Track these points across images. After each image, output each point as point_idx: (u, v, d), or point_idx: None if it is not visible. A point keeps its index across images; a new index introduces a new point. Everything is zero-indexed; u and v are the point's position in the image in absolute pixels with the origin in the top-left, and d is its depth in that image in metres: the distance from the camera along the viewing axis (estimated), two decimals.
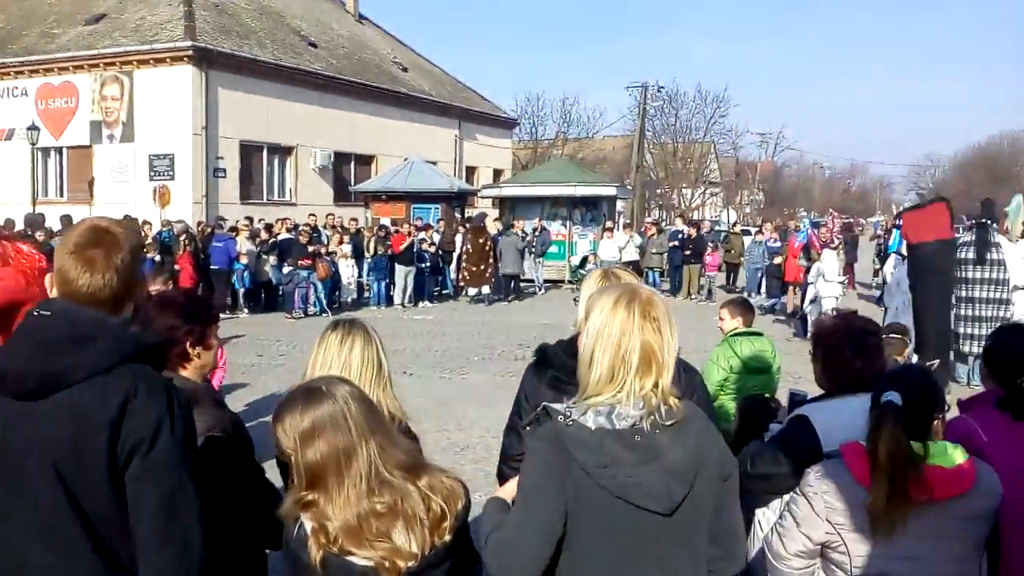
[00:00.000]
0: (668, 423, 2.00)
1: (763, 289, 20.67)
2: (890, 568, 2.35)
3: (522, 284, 21.46)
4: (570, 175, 25.12)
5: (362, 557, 1.95)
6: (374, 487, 1.98)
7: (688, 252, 21.15)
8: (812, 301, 14.29)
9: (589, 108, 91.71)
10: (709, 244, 21.86)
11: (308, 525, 1.98)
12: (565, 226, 24.12)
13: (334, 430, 1.98)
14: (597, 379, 2.02)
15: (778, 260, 18.64)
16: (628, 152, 38.99)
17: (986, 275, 10.57)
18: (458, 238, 20.71)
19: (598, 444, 1.96)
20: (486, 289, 19.59)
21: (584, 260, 22.10)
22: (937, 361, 8.05)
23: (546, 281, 22.46)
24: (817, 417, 2.75)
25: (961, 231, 11.78)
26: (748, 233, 25.37)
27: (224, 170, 25.07)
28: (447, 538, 2.03)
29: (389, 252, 18.67)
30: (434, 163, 28.16)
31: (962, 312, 10.66)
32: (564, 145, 44.37)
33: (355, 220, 20.48)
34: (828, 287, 14.06)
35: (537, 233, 21.76)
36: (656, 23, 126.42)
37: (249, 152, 26.13)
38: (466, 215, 24.37)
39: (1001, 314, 10.50)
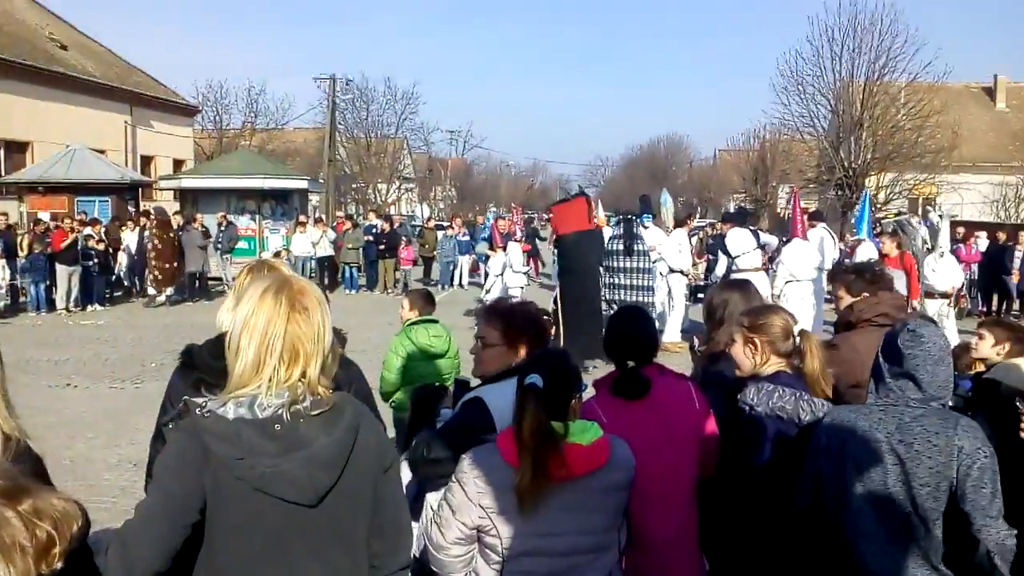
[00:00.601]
0: (315, 412, 1.97)
1: (462, 281, 21.48)
2: (537, 545, 2.43)
3: (210, 282, 20.24)
4: (258, 167, 24.06)
5: None
6: None
7: (383, 247, 21.19)
8: (487, 292, 15.09)
9: (277, 98, 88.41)
10: (403, 238, 22.06)
11: None
12: (255, 220, 23.08)
13: None
14: (243, 369, 1.97)
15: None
16: (321, 145, 38.19)
17: (633, 264, 11.59)
18: (126, 234, 18.98)
19: (235, 435, 1.90)
20: (169, 290, 18.24)
21: (276, 256, 21.28)
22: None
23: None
24: (491, 398, 2.82)
25: (612, 224, 12.90)
26: (442, 228, 25.99)
27: None
28: (57, 565, 1.77)
29: (48, 250, 16.61)
30: (102, 152, 25.66)
31: (613, 297, 11.63)
32: (252, 136, 42.50)
33: (5, 215, 18.00)
34: (514, 277, 14.80)
35: (222, 228, 20.60)
36: (346, 16, 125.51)
37: None
38: (142, 208, 22.44)
39: (644, 299, 11.60)
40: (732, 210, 19.36)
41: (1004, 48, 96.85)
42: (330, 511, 1.96)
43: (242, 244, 21.61)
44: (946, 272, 11.82)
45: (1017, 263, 16.26)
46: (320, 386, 1.99)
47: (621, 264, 11.61)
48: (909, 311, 10.60)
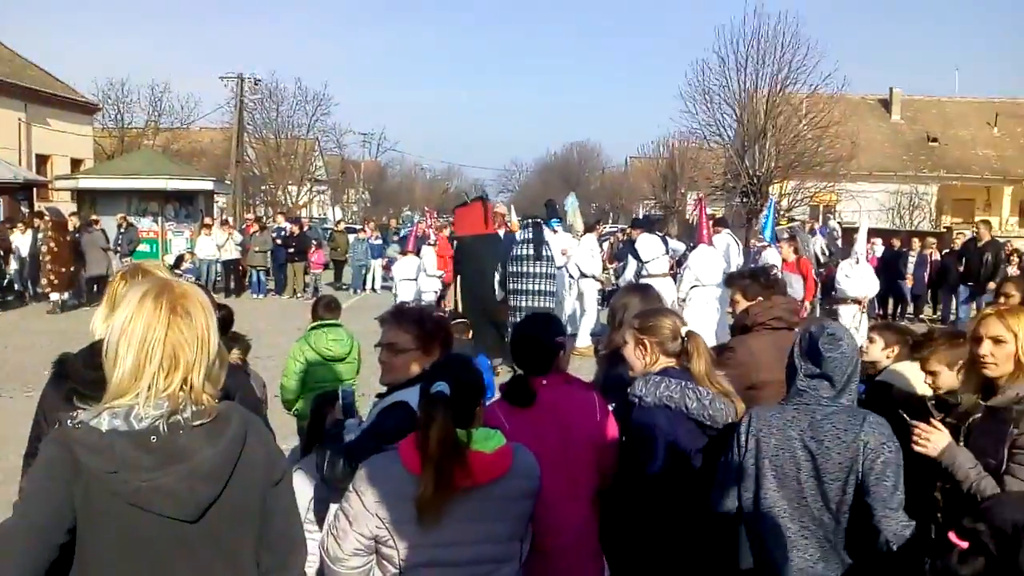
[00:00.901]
0: (196, 423, 1.88)
1: (375, 285, 21.41)
2: (436, 555, 2.40)
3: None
4: (161, 167, 23.35)
5: None
6: None
7: (292, 250, 20.76)
8: (395, 296, 15.07)
9: (182, 97, 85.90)
10: (313, 241, 21.67)
11: None
12: (157, 222, 22.36)
13: None
14: (120, 378, 1.87)
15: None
16: (228, 145, 37.18)
17: (541, 270, 11.67)
18: (16, 236, 18.11)
19: (108, 447, 1.80)
20: (66, 294, 17.46)
21: (180, 259, 20.68)
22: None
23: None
24: (414, 400, 2.75)
25: (521, 229, 12.98)
26: (353, 231, 25.65)
27: None
28: None
29: None
30: None
31: (521, 303, 11.67)
32: (156, 135, 41.11)
33: None
34: (428, 281, 14.74)
35: (122, 230, 19.86)
36: (255, 13, 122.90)
37: None
38: (36, 209, 21.44)
39: (548, 304, 11.72)
40: (642, 216, 19.70)
41: (899, 62, 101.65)
42: (213, 526, 1.88)
43: (143, 247, 20.88)
44: (860, 279, 12.16)
45: (911, 268, 17.01)
46: (205, 394, 1.91)
47: (529, 269, 11.66)
48: (804, 314, 10.97)
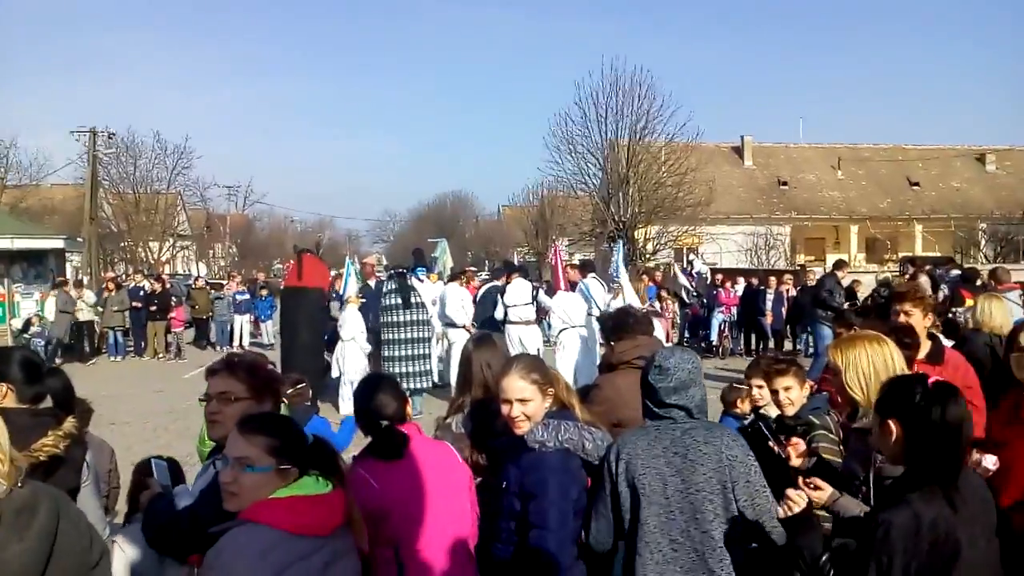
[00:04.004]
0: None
1: (242, 341, 20.67)
2: None
3: None
4: (5, 226, 21.95)
5: None
6: None
7: (153, 308, 19.79)
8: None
9: (31, 152, 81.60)
10: (174, 299, 20.73)
11: None
12: (3, 284, 20.93)
13: None
14: None
15: None
16: (82, 202, 35.37)
17: (411, 317, 11.59)
18: None
19: None
20: None
21: (27, 323, 19.36)
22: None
23: None
24: None
25: (385, 279, 12.93)
26: (219, 286, 24.71)
27: None
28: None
29: None
30: None
31: (394, 353, 11.55)
32: (2, 193, 38.78)
33: None
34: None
35: None
36: (107, 68, 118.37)
37: None
38: None
39: (424, 352, 11.69)
40: (516, 263, 19.87)
41: (748, 112, 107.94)
42: None
43: None
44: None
45: (769, 304, 17.81)
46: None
47: (398, 319, 11.56)
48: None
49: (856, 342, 3.17)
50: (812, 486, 2.67)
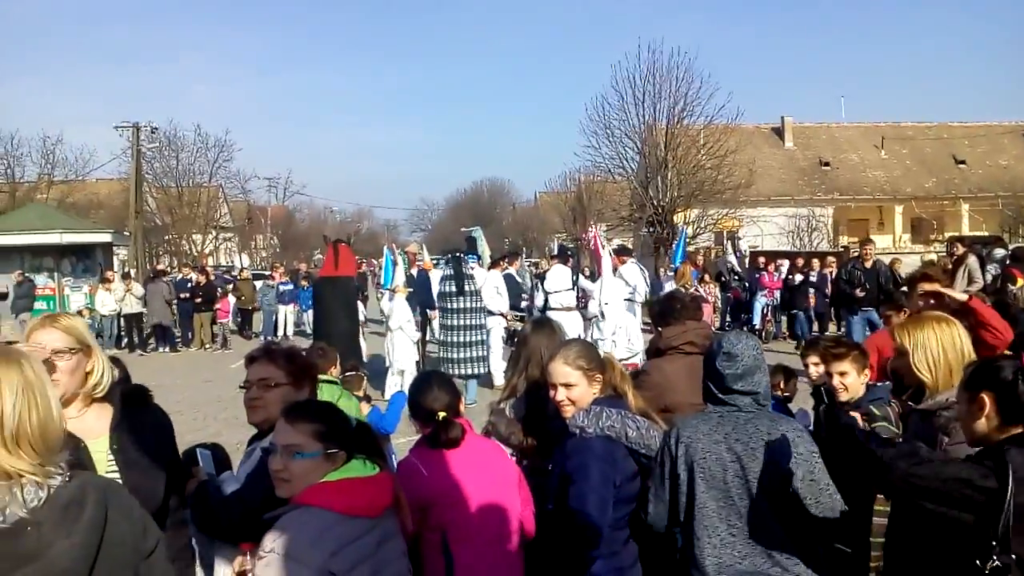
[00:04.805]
0: (43, 514, 1.66)
1: (286, 331, 20.93)
2: None
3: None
4: (54, 221, 22.44)
5: None
6: None
7: (199, 300, 20.13)
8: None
9: (77, 148, 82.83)
10: (219, 290, 21.06)
11: None
12: (53, 278, 21.42)
13: None
14: None
15: None
16: (127, 196, 36.00)
17: (466, 304, 11.63)
18: None
19: None
20: None
21: (78, 314, 19.77)
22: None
23: None
24: None
25: (441, 265, 12.97)
26: (262, 277, 25.07)
27: None
28: None
29: None
30: None
31: (448, 339, 11.61)
32: (50, 189, 39.60)
33: None
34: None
35: (19, 286, 18.99)
36: (148, 61, 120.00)
37: None
38: None
39: (480, 338, 11.63)
40: (556, 250, 19.85)
41: (788, 92, 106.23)
42: None
43: (40, 304, 19.94)
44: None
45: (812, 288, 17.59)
46: (40, 475, 1.68)
47: (454, 305, 11.59)
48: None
49: (924, 323, 3.13)
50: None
